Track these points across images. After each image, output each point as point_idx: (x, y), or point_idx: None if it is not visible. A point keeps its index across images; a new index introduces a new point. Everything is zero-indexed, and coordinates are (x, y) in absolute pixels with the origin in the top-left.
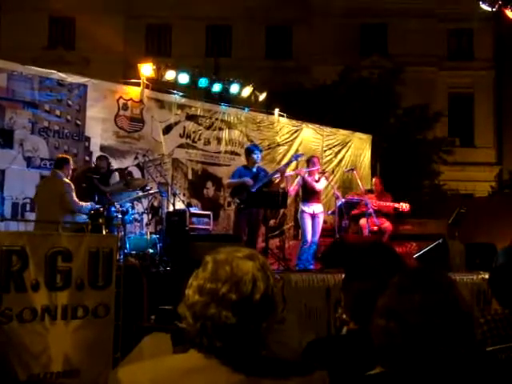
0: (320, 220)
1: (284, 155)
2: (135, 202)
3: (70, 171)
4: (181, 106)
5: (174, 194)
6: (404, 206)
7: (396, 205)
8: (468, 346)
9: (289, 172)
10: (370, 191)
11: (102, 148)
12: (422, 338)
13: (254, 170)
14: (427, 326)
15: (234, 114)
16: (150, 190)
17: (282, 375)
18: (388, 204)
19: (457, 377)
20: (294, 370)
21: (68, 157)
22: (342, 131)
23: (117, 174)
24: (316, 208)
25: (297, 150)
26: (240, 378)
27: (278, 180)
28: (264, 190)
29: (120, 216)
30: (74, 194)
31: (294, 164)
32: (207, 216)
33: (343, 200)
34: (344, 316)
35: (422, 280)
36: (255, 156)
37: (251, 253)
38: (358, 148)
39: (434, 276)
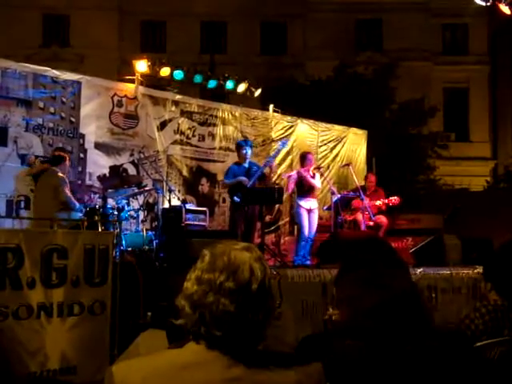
0: (316, 215)
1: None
2: (131, 199)
3: (67, 169)
4: (175, 103)
5: (170, 191)
6: (394, 200)
7: (386, 201)
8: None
9: (289, 173)
10: (362, 188)
11: (97, 145)
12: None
13: (246, 165)
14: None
15: (228, 110)
16: (145, 186)
17: (282, 365)
18: (379, 203)
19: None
20: (292, 361)
21: (65, 155)
22: (337, 127)
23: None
24: (312, 204)
25: (292, 146)
26: (236, 373)
27: (268, 171)
28: (260, 187)
29: (116, 213)
30: (68, 189)
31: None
32: (203, 212)
33: (339, 196)
34: (334, 317)
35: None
36: (244, 151)
37: (248, 245)
38: (354, 143)
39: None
